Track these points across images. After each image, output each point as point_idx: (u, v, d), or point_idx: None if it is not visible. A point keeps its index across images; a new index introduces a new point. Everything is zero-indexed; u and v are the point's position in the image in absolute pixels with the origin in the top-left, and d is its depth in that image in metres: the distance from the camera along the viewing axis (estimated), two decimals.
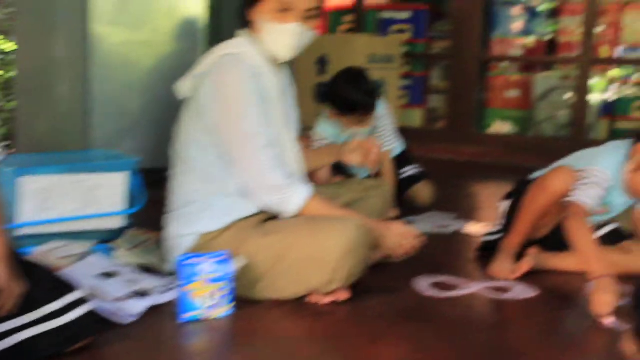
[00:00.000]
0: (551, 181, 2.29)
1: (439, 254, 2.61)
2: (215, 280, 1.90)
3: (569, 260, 2.35)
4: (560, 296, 2.21)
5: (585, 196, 2.18)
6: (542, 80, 5.13)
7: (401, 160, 3.39)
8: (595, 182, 2.19)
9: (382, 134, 3.20)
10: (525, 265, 2.33)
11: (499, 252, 2.41)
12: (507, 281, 2.29)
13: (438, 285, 2.22)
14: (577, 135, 4.90)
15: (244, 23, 2.11)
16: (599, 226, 2.41)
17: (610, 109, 5.08)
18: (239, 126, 2.02)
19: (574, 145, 5.15)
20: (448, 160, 5.07)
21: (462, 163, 4.99)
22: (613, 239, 2.38)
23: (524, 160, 4.90)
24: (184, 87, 2.14)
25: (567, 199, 2.21)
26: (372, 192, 2.43)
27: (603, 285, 1.97)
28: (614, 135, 5.09)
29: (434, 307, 2.07)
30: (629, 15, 4.96)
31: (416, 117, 5.55)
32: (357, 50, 4.68)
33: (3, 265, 1.55)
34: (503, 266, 2.37)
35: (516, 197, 2.44)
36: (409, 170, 3.41)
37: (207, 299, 1.90)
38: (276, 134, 2.10)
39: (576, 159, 2.37)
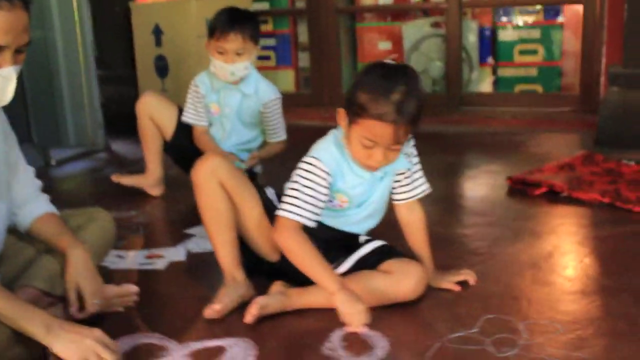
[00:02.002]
0: (194, 173, 1.89)
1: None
2: None
3: (317, 294, 1.80)
4: (292, 354, 1.66)
5: (292, 206, 1.76)
6: (412, 29, 4.53)
7: None
8: (302, 180, 1.76)
9: (270, 124, 2.90)
10: (251, 312, 1.76)
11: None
12: (224, 339, 1.71)
13: (131, 357, 1.68)
14: (453, 89, 4.34)
15: None
16: (358, 244, 1.91)
17: (491, 56, 4.53)
18: None
19: (450, 102, 4.70)
20: (319, 127, 4.52)
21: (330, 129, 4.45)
22: (374, 259, 1.86)
23: None
24: None
25: (276, 212, 1.79)
26: (90, 223, 1.99)
27: (344, 297, 1.70)
28: (500, 85, 4.56)
29: None
30: None
31: (287, 80, 4.96)
32: (192, 16, 4.06)
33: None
34: (217, 298, 1.83)
35: None
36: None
37: None
38: None
39: None
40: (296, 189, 1.76)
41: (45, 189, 3.30)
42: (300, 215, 1.75)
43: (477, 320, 1.74)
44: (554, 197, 2.78)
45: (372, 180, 1.84)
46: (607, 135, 3.46)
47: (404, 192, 1.94)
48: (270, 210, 1.91)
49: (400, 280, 1.79)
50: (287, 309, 1.81)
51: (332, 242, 1.91)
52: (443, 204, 2.86)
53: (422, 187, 1.95)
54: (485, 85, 4.56)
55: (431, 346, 1.62)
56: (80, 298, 1.75)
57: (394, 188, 1.93)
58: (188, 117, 2.89)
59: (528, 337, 1.64)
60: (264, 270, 1.98)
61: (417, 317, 1.79)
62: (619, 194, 2.67)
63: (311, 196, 1.75)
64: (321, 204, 1.78)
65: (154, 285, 2.11)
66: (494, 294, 1.90)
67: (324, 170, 1.76)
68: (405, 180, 1.92)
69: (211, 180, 1.87)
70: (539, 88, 4.43)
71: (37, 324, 1.50)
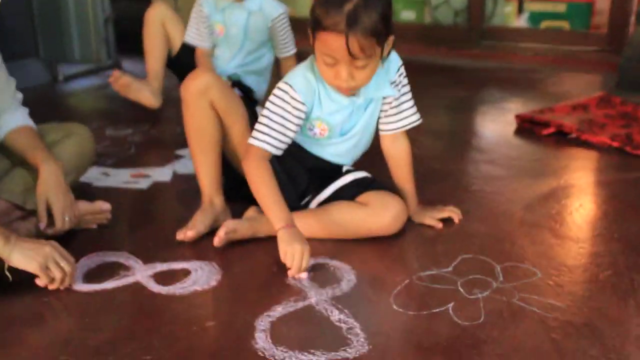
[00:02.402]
0: (184, 89, 1.81)
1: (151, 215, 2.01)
2: None
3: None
4: (256, 281, 1.61)
5: (260, 134, 1.69)
6: None
7: None
8: (273, 107, 1.69)
9: (280, 39, 2.78)
10: (219, 235, 1.71)
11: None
12: (191, 261, 1.67)
13: (93, 274, 1.64)
14: (475, 21, 4.16)
15: None
16: (345, 172, 1.84)
17: None
18: None
19: (471, 35, 4.51)
20: None
21: None
22: (353, 190, 1.79)
23: (420, 52, 4.23)
24: None
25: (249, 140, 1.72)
26: (67, 139, 1.96)
27: (285, 235, 1.60)
28: (525, 19, 4.35)
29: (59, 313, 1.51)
30: None
31: (307, 3, 4.80)
32: None
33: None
34: (192, 223, 1.79)
35: None
36: None
37: None
38: None
39: None
40: (266, 116, 1.69)
41: (51, 104, 3.26)
42: (267, 143, 1.68)
43: (453, 260, 1.67)
44: (562, 138, 2.66)
45: (352, 108, 1.75)
46: (629, 77, 3.29)
47: (390, 123, 1.84)
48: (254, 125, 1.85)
49: (377, 214, 1.73)
50: (258, 234, 1.77)
51: (316, 171, 1.84)
52: (446, 139, 2.77)
53: (410, 118, 1.85)
54: (509, 19, 4.36)
55: (399, 283, 1.57)
56: (51, 214, 1.73)
57: (379, 118, 1.84)
58: (190, 37, 2.80)
59: (503, 280, 1.57)
60: (245, 194, 1.92)
61: (391, 252, 1.72)
62: (630, 138, 2.54)
63: (280, 124, 1.68)
64: (290, 132, 1.70)
65: (132, 204, 2.07)
66: (477, 234, 1.83)
67: (295, 98, 1.67)
68: (391, 110, 1.82)
69: (201, 99, 1.79)
70: (566, 25, 4.22)
71: None
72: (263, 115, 1.69)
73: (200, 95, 1.79)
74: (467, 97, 3.46)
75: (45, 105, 3.32)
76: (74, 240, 1.78)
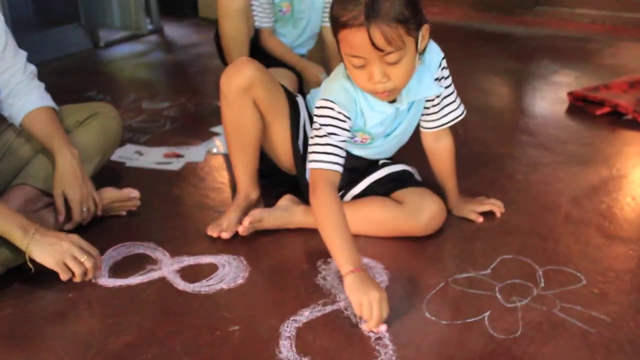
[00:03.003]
0: (226, 81, 1.68)
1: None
2: None
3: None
4: (282, 279, 1.56)
5: (324, 155, 1.52)
6: None
7: None
8: (325, 128, 1.53)
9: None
10: (243, 224, 1.67)
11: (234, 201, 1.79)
12: (218, 256, 1.63)
13: (119, 267, 1.60)
14: None
15: None
16: (381, 165, 1.76)
17: None
18: None
19: (524, 0, 4.29)
20: None
21: None
22: (389, 186, 1.70)
23: (469, 17, 4.05)
24: None
25: (308, 164, 1.57)
26: (92, 119, 1.89)
27: (353, 281, 1.37)
28: None
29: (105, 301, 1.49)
30: None
31: None
32: None
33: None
34: (227, 221, 1.73)
35: None
36: None
37: None
38: None
39: None
40: (322, 136, 1.53)
41: (91, 71, 3.19)
42: (334, 163, 1.52)
43: (492, 260, 1.59)
44: (617, 119, 2.50)
45: (395, 113, 1.62)
46: None
47: (432, 121, 1.73)
48: (294, 118, 1.75)
49: (412, 214, 1.64)
50: (288, 226, 1.71)
51: (355, 170, 1.75)
52: (492, 117, 2.64)
53: (452, 114, 1.71)
54: None
55: (433, 286, 1.49)
56: (69, 207, 1.69)
57: (421, 114, 1.73)
58: (256, 19, 2.52)
59: (544, 287, 1.49)
60: (281, 180, 1.85)
61: (427, 250, 1.65)
62: None
63: (340, 140, 1.53)
64: (345, 145, 1.56)
65: (163, 188, 2.03)
66: (519, 230, 1.73)
67: (341, 113, 1.53)
68: (433, 107, 1.70)
69: (244, 97, 1.67)
70: None
71: (14, 226, 1.45)
72: (317, 136, 1.54)
73: (243, 93, 1.66)
74: (518, 69, 3.30)
75: (85, 73, 3.30)
76: (101, 229, 1.75)
